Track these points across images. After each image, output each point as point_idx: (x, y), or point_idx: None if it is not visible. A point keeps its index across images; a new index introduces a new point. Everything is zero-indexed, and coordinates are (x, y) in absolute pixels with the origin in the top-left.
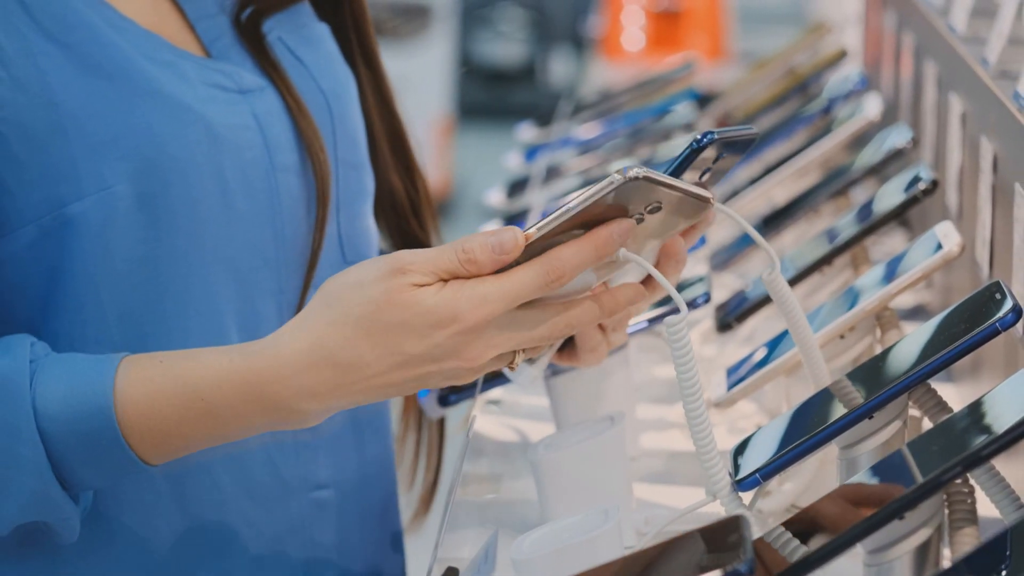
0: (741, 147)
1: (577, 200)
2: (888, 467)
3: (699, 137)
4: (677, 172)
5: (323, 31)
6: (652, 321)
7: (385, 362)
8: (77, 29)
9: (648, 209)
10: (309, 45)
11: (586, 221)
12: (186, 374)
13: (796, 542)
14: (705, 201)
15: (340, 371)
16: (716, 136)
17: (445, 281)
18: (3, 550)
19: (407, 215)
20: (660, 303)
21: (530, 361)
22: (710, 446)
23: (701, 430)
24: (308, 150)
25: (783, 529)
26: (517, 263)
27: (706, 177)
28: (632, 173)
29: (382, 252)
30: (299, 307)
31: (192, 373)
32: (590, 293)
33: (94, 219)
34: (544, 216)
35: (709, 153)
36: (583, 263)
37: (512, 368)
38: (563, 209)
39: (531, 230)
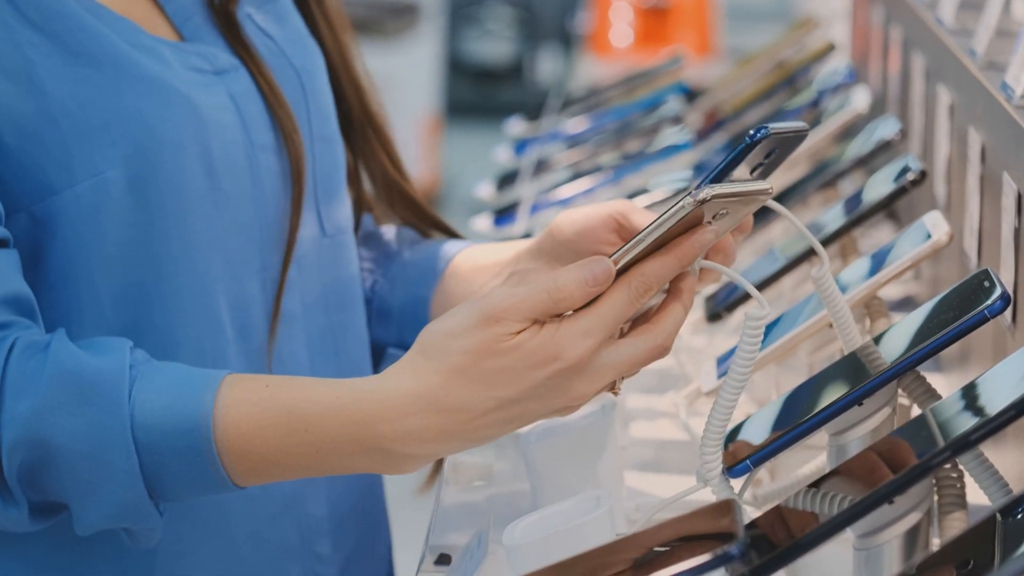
0: (792, 142)
1: (653, 226)
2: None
3: (752, 133)
4: (730, 167)
5: (288, 6)
6: None
7: (487, 405)
8: (61, 18)
9: (715, 217)
10: (278, 22)
11: (663, 240)
12: (293, 403)
13: (834, 496)
14: (765, 193)
15: (445, 416)
16: (769, 132)
17: (540, 323)
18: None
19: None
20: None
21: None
22: (719, 436)
23: (722, 420)
24: (282, 131)
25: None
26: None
27: (757, 172)
28: (701, 196)
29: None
30: (280, 285)
31: (300, 403)
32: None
33: (86, 205)
34: (625, 244)
35: (761, 149)
36: (667, 275)
37: (616, 392)
38: (643, 235)
39: (616, 256)
